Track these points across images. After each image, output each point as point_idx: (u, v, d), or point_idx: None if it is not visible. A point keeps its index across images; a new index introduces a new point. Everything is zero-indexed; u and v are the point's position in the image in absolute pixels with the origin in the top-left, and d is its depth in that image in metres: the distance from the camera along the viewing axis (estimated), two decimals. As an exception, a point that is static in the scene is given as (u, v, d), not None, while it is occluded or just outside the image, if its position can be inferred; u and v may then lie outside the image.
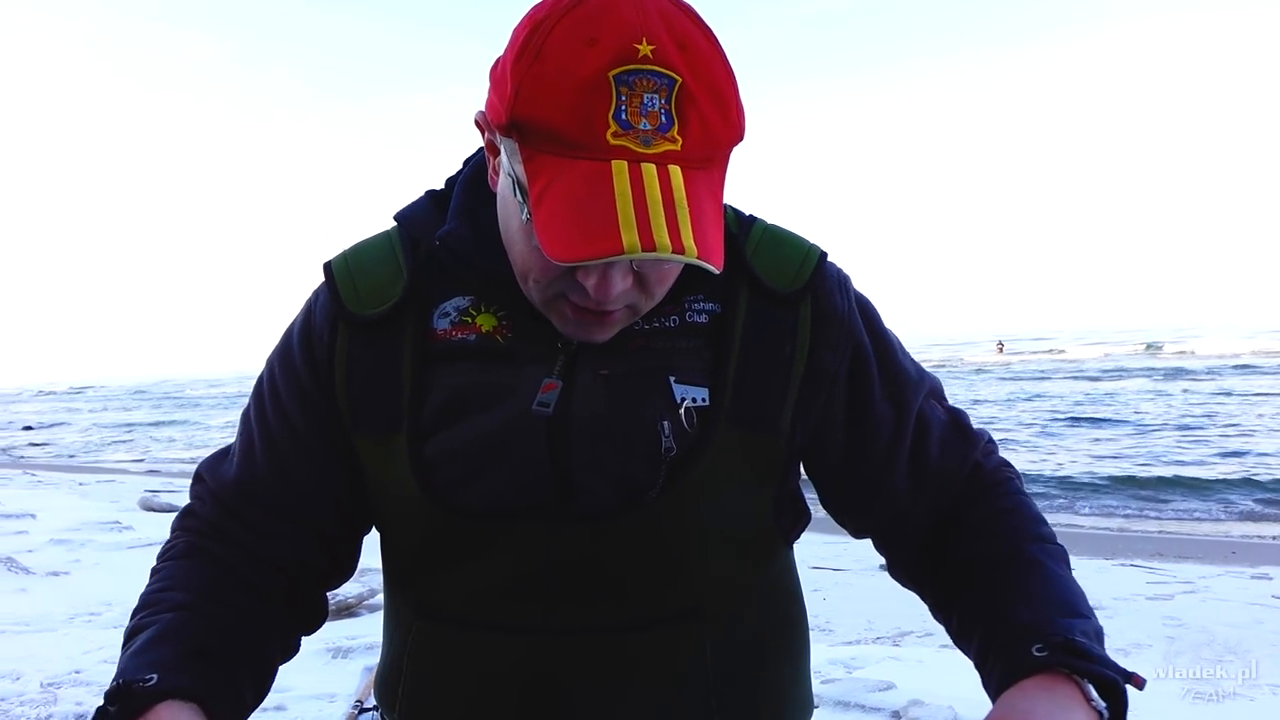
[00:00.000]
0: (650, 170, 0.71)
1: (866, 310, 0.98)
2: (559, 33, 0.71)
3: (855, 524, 1.03)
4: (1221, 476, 10.63)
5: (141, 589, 0.90)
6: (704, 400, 0.89)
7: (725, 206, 0.94)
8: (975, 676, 0.87)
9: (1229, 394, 20.16)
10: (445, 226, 0.91)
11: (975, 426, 1.02)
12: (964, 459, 0.98)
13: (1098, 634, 0.82)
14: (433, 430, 0.89)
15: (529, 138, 0.73)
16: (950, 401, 1.03)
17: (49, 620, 4.20)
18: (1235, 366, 28.61)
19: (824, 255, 0.95)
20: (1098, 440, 14.46)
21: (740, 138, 0.78)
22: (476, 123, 0.85)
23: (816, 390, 0.93)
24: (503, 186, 0.83)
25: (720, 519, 0.90)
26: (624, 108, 0.70)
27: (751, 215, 0.98)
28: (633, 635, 0.89)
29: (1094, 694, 0.75)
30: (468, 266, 0.90)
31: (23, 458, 19.84)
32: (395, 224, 0.97)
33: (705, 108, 0.73)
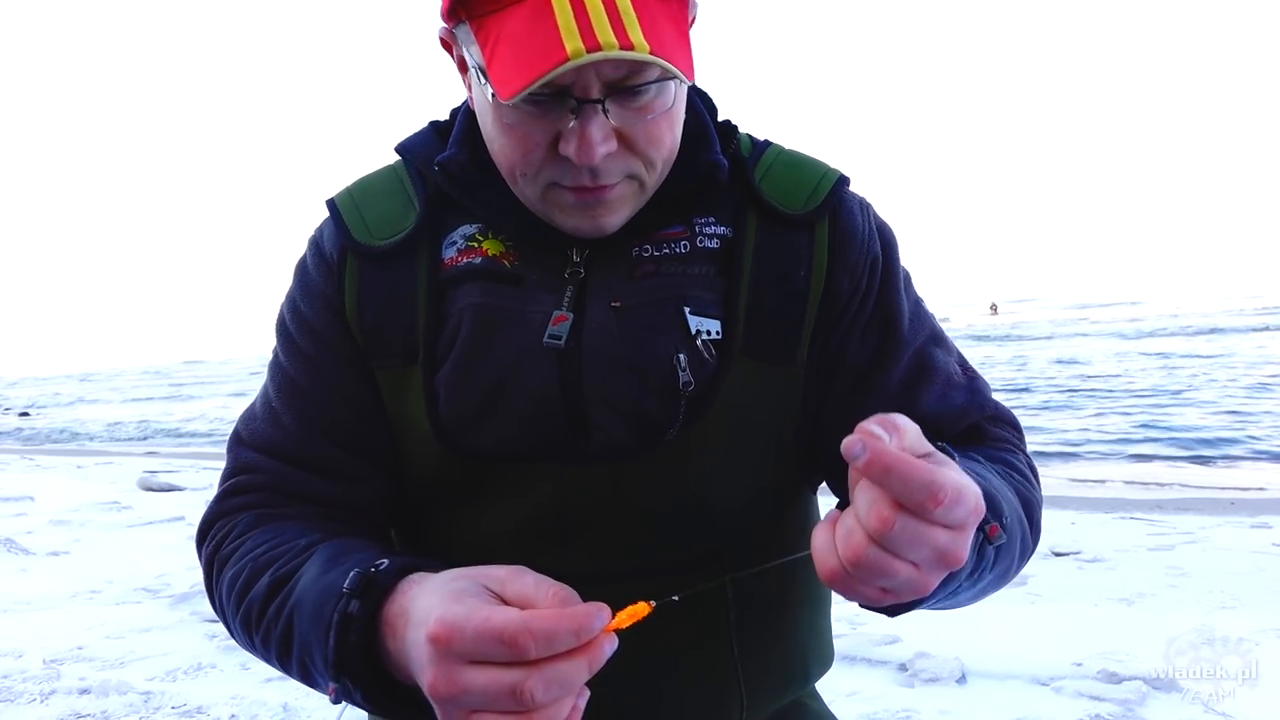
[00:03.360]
0: None
1: (886, 236, 0.94)
2: None
3: (820, 462, 0.93)
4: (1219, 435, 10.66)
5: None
6: (718, 333, 0.86)
7: (740, 133, 0.95)
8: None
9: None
10: (445, 153, 0.89)
11: (996, 400, 0.94)
12: (961, 416, 0.91)
13: (988, 497, 0.70)
14: (444, 361, 0.86)
15: (473, 7, 0.74)
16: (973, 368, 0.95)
17: (50, 599, 4.19)
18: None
19: (844, 178, 0.92)
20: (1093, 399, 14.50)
21: None
22: (441, 42, 0.83)
23: (835, 317, 0.89)
24: (475, 93, 0.82)
25: (742, 457, 0.87)
26: None
27: (767, 140, 0.96)
28: (651, 582, 0.84)
29: None
30: (468, 194, 0.88)
31: (25, 439, 19.82)
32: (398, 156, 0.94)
33: None
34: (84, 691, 2.99)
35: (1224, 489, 7.83)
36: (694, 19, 0.81)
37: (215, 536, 0.86)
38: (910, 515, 0.56)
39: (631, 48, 0.69)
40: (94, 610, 3.99)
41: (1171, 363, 18.89)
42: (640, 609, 0.64)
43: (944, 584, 0.67)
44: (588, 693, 0.62)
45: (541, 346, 0.84)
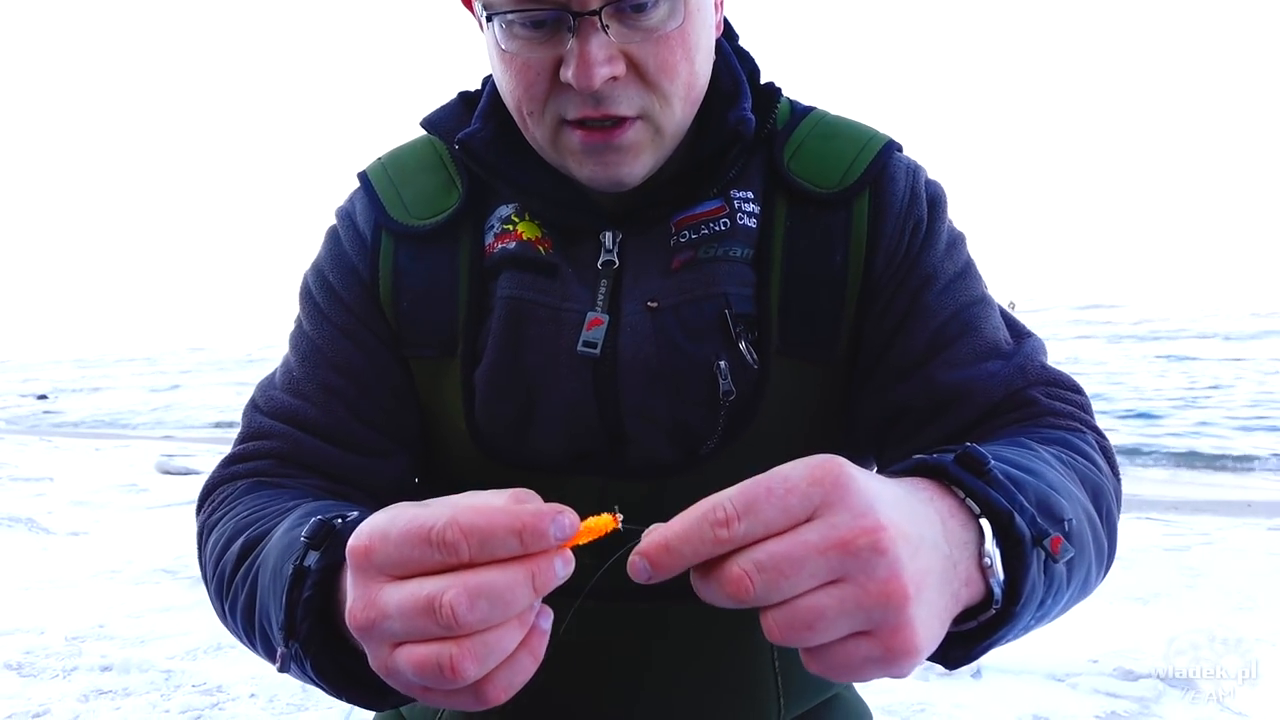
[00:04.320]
0: None
1: (933, 196, 0.86)
2: None
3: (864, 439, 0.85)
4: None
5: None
6: (756, 333, 0.81)
7: (781, 96, 0.88)
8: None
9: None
10: (468, 128, 0.84)
11: (1050, 364, 0.82)
12: (1003, 384, 0.78)
13: (1043, 503, 0.58)
14: (483, 357, 0.82)
15: None
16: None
17: (71, 578, 4.24)
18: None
19: (889, 144, 0.85)
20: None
21: None
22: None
23: (876, 299, 0.82)
24: (485, 38, 0.78)
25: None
26: None
27: (810, 106, 0.89)
28: (692, 601, 0.82)
29: (988, 534, 0.53)
30: (494, 173, 0.83)
31: (40, 424, 19.98)
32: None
33: None
34: (105, 669, 3.03)
35: (1241, 488, 7.78)
36: None
37: (212, 503, 0.81)
38: (744, 554, 0.47)
39: None
40: (114, 589, 4.04)
41: (1187, 366, 18.74)
42: (604, 522, 0.54)
43: (1014, 615, 0.55)
44: (550, 614, 0.51)
45: (576, 352, 0.80)
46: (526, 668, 0.49)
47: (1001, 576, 0.53)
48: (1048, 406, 0.78)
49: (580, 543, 0.51)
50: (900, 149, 0.86)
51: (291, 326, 0.90)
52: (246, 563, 0.69)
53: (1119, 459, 0.81)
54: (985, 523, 0.53)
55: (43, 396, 31.28)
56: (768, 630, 0.47)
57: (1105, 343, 25.36)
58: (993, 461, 0.56)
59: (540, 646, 0.50)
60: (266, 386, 0.88)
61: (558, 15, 0.71)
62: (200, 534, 0.80)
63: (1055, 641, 2.86)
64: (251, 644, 0.70)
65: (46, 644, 3.28)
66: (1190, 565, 4.34)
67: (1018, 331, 0.84)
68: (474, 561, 0.46)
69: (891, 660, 0.47)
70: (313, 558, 0.57)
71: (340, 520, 0.59)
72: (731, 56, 0.87)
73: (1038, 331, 0.86)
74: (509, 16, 0.72)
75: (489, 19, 0.74)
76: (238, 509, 0.76)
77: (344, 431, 0.83)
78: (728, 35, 0.89)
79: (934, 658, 0.59)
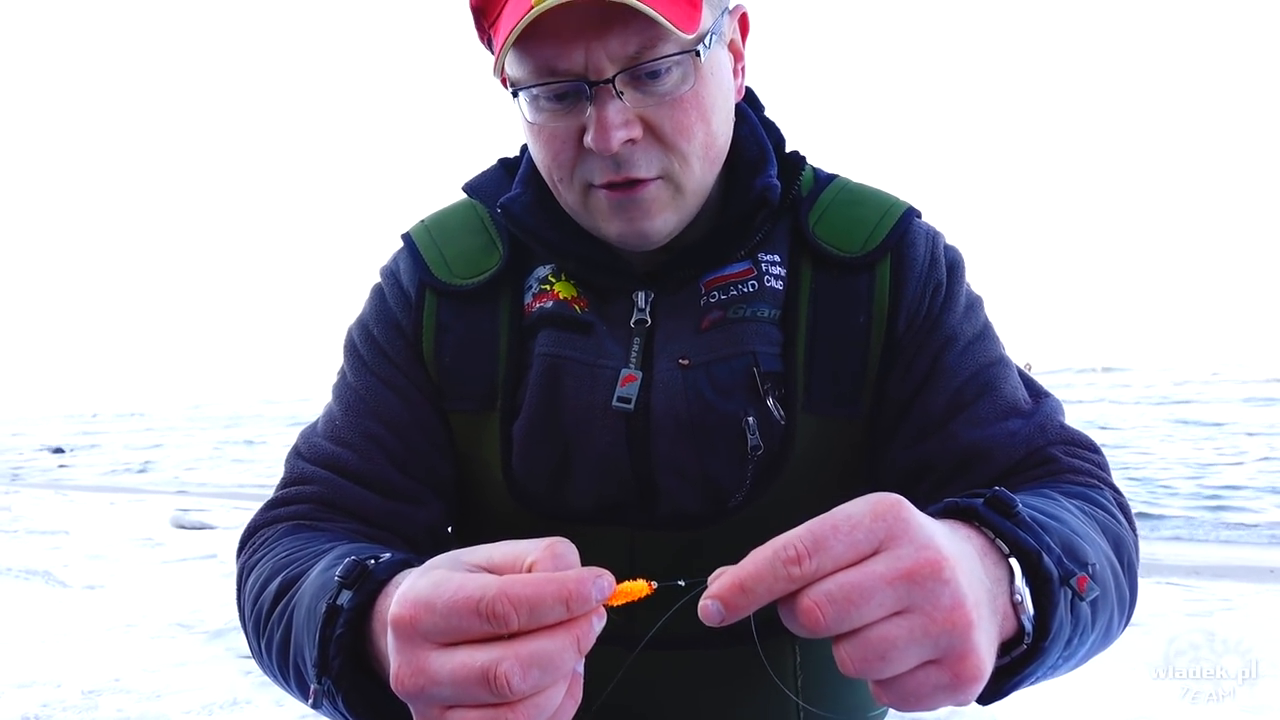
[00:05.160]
0: None
1: (952, 260, 0.89)
2: None
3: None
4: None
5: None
6: (783, 390, 0.84)
7: (805, 164, 0.91)
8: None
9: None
10: (509, 193, 0.88)
11: (1069, 424, 0.86)
12: (1023, 443, 0.82)
13: (1068, 546, 0.62)
14: (520, 411, 0.86)
15: (485, 16, 0.77)
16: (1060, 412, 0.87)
17: (87, 631, 4.24)
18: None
19: (910, 211, 0.89)
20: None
21: None
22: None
23: (898, 359, 0.86)
24: (519, 118, 0.82)
25: (815, 515, 0.84)
26: None
27: (833, 175, 0.93)
28: (718, 649, 0.85)
29: (1017, 572, 0.56)
30: (533, 236, 0.87)
31: (56, 479, 20.02)
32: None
33: None
34: (122, 724, 3.02)
35: (1262, 553, 7.67)
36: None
37: (252, 545, 0.84)
38: (816, 587, 0.49)
39: None
40: (130, 643, 4.03)
41: (1208, 431, 18.55)
42: (639, 588, 0.55)
43: (1043, 651, 0.58)
44: (581, 670, 0.53)
45: (611, 408, 0.83)
46: (569, 711, 0.52)
47: (1032, 612, 0.56)
48: (1067, 464, 0.81)
49: (615, 604, 0.53)
50: (920, 215, 0.90)
51: (335, 378, 0.94)
52: (283, 601, 0.72)
53: (1138, 522, 0.84)
54: (1014, 562, 0.56)
55: (58, 450, 31.33)
56: (841, 663, 0.50)
57: (1119, 405, 25.17)
58: (1020, 505, 0.59)
59: (579, 690, 0.53)
60: (309, 434, 0.91)
61: (576, 86, 0.75)
62: (240, 574, 0.83)
63: (1076, 707, 2.82)
64: (285, 681, 0.72)
65: (63, 697, 3.27)
66: (1213, 632, 4.28)
67: (1036, 392, 0.87)
68: (523, 630, 0.49)
69: (959, 686, 0.50)
70: (346, 597, 0.60)
71: (374, 561, 0.61)
72: (758, 126, 0.91)
73: (1052, 393, 0.89)
74: (533, 91, 0.77)
75: (515, 94, 0.79)
76: (277, 550, 0.79)
77: (382, 478, 0.86)
78: (753, 105, 0.93)
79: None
